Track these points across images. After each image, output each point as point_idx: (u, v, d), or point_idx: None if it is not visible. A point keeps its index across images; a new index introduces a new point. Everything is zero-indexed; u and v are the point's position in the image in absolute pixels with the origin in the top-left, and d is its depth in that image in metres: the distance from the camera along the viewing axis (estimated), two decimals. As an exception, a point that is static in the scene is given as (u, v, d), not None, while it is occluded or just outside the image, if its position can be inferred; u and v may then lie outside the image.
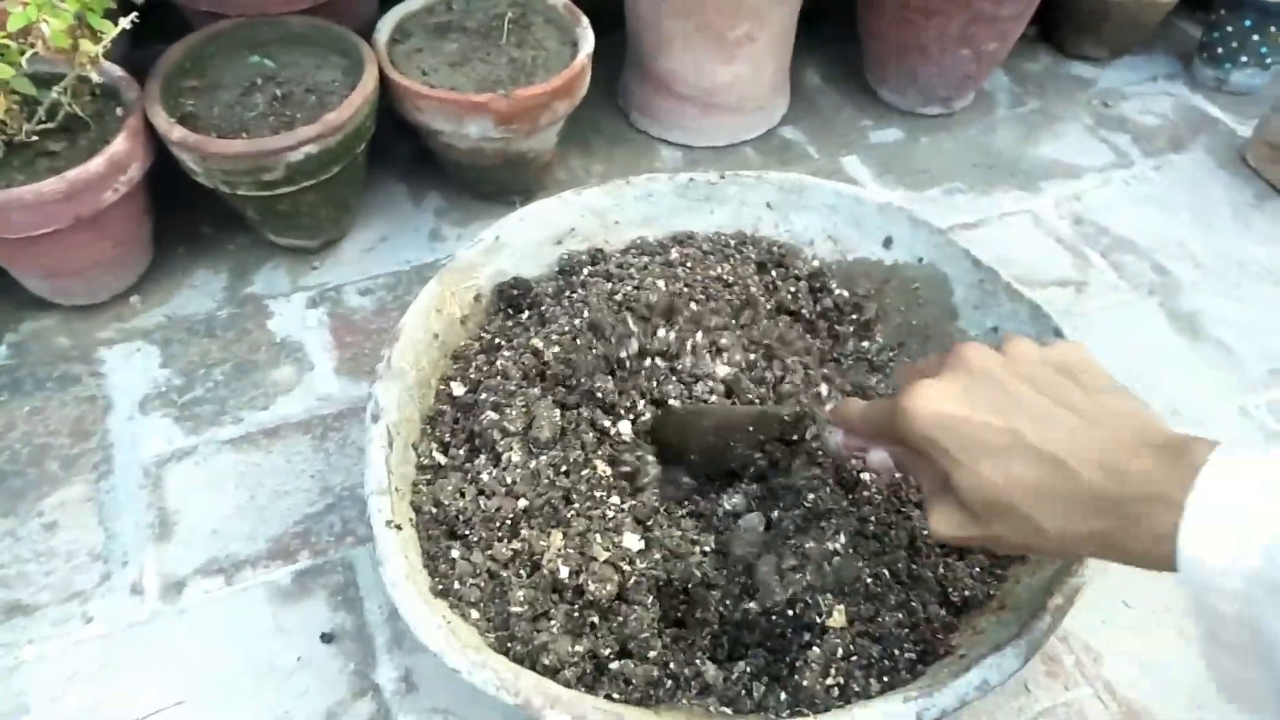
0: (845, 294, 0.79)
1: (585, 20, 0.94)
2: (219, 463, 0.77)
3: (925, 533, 0.63)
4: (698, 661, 0.57)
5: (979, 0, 1.01)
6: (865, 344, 0.78)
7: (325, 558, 0.71)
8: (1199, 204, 1.06)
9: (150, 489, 0.75)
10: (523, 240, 0.77)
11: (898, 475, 0.55)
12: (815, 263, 0.80)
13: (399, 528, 0.57)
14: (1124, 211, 1.05)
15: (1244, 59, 1.19)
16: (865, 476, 0.65)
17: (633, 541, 0.60)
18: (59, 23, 0.71)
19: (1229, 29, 1.18)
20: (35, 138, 0.77)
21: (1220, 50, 1.20)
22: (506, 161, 0.94)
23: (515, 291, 0.75)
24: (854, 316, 0.78)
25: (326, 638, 0.67)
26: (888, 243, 0.78)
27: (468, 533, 0.60)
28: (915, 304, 0.78)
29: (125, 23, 0.75)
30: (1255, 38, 1.17)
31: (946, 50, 1.07)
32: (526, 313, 0.75)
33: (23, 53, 0.72)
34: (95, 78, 0.78)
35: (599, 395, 0.66)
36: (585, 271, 0.76)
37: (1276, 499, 0.34)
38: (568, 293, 0.75)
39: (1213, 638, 0.37)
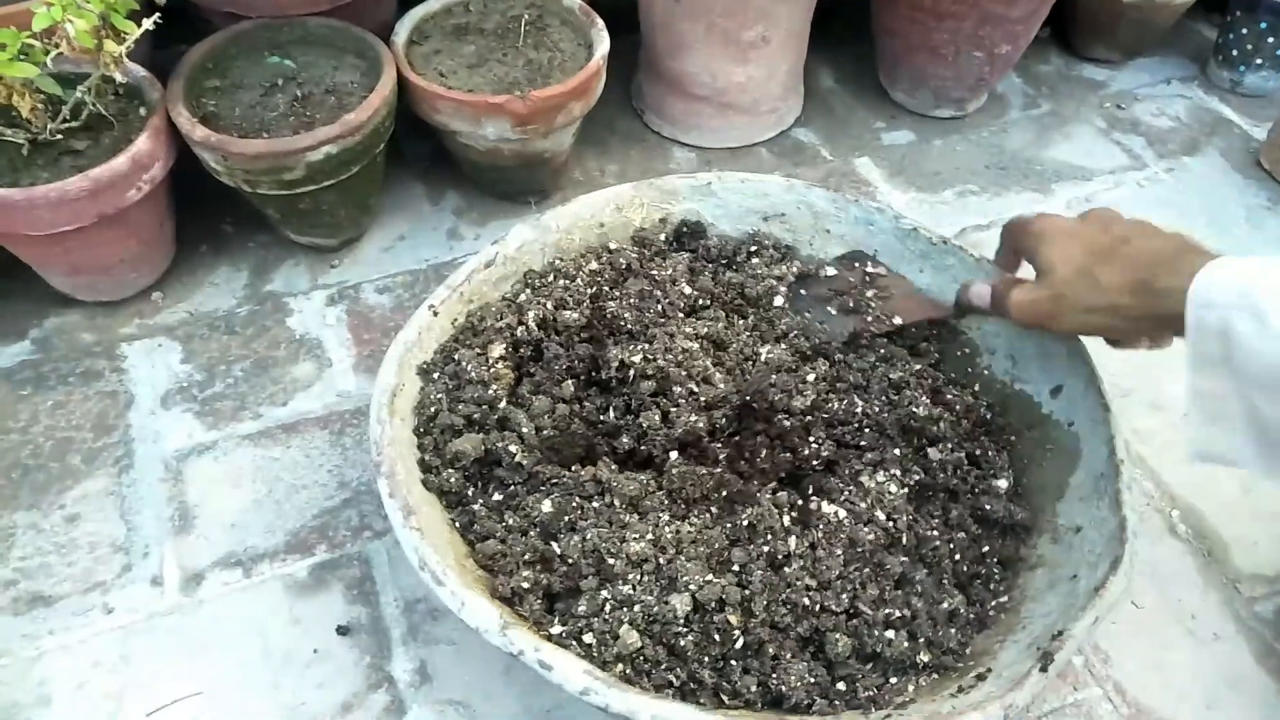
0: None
1: (600, 22, 0.95)
2: (238, 457, 0.78)
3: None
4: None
5: (990, 2, 1.01)
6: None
7: (342, 551, 0.72)
8: (1212, 207, 1.06)
9: (171, 483, 0.76)
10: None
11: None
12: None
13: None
14: (1137, 214, 1.03)
15: (1259, 61, 1.19)
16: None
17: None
18: (83, 23, 0.72)
19: (1244, 31, 1.18)
20: (60, 136, 0.79)
21: (1235, 52, 1.20)
22: (523, 161, 0.95)
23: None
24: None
25: (343, 630, 0.68)
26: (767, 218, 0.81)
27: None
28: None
29: (148, 23, 0.76)
30: (1270, 40, 1.16)
31: (959, 52, 1.07)
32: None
33: (47, 53, 0.73)
34: (119, 77, 0.79)
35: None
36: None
37: (1270, 267, 0.48)
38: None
39: (1197, 359, 0.50)
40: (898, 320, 0.73)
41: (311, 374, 0.84)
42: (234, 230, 0.97)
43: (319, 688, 0.65)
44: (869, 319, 0.73)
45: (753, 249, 0.80)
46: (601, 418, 0.68)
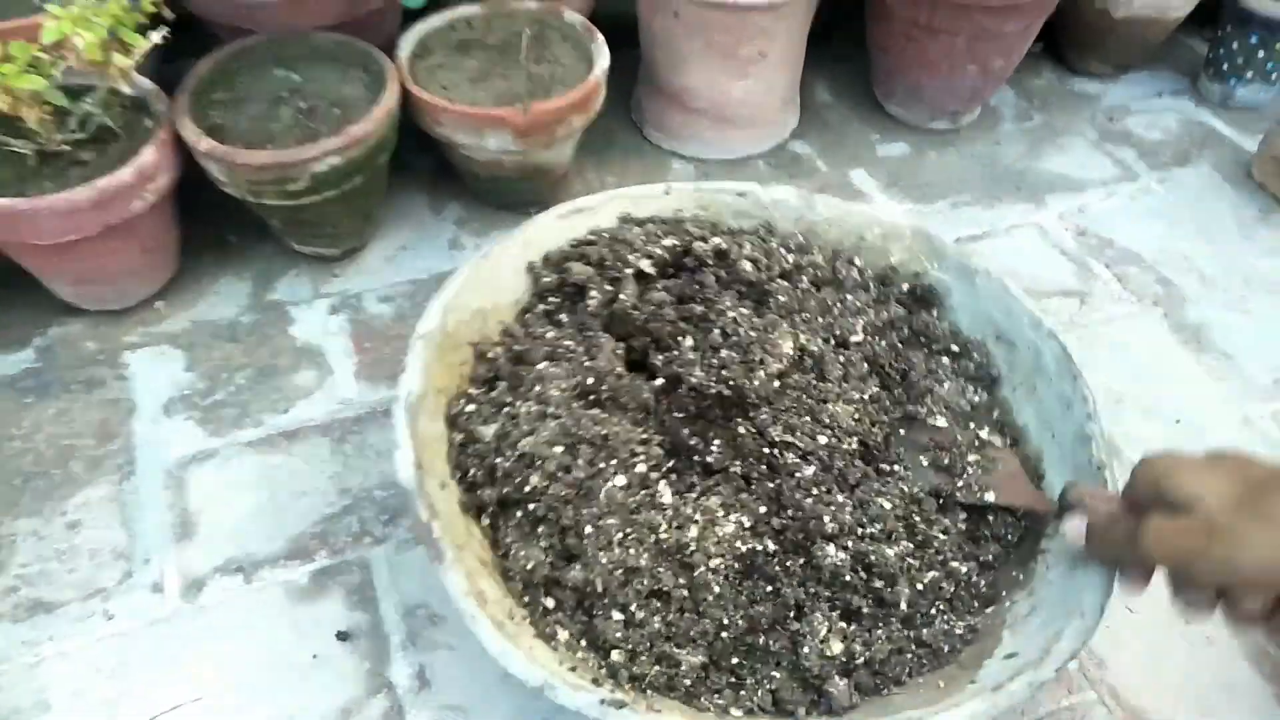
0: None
1: (601, 37, 0.97)
2: (240, 464, 0.78)
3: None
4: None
5: (984, 17, 1.03)
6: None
7: (342, 557, 0.72)
8: (1204, 218, 1.07)
9: (172, 490, 0.76)
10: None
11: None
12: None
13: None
14: (1128, 225, 1.06)
15: (1249, 74, 1.20)
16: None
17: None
18: (92, 37, 0.73)
19: (1234, 45, 1.19)
20: (67, 147, 0.80)
21: (1226, 66, 1.21)
22: (524, 173, 0.96)
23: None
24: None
25: (342, 636, 0.68)
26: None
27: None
28: None
29: (156, 37, 0.77)
30: (1261, 53, 1.18)
31: (953, 66, 1.09)
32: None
33: (56, 65, 0.75)
34: (126, 90, 0.80)
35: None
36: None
37: None
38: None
39: None
40: (989, 496, 0.65)
41: (313, 382, 0.85)
42: (237, 240, 0.98)
43: (319, 693, 0.65)
44: (959, 484, 0.66)
45: (958, 352, 0.74)
46: (681, 324, 0.72)
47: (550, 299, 0.73)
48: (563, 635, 0.56)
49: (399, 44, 0.94)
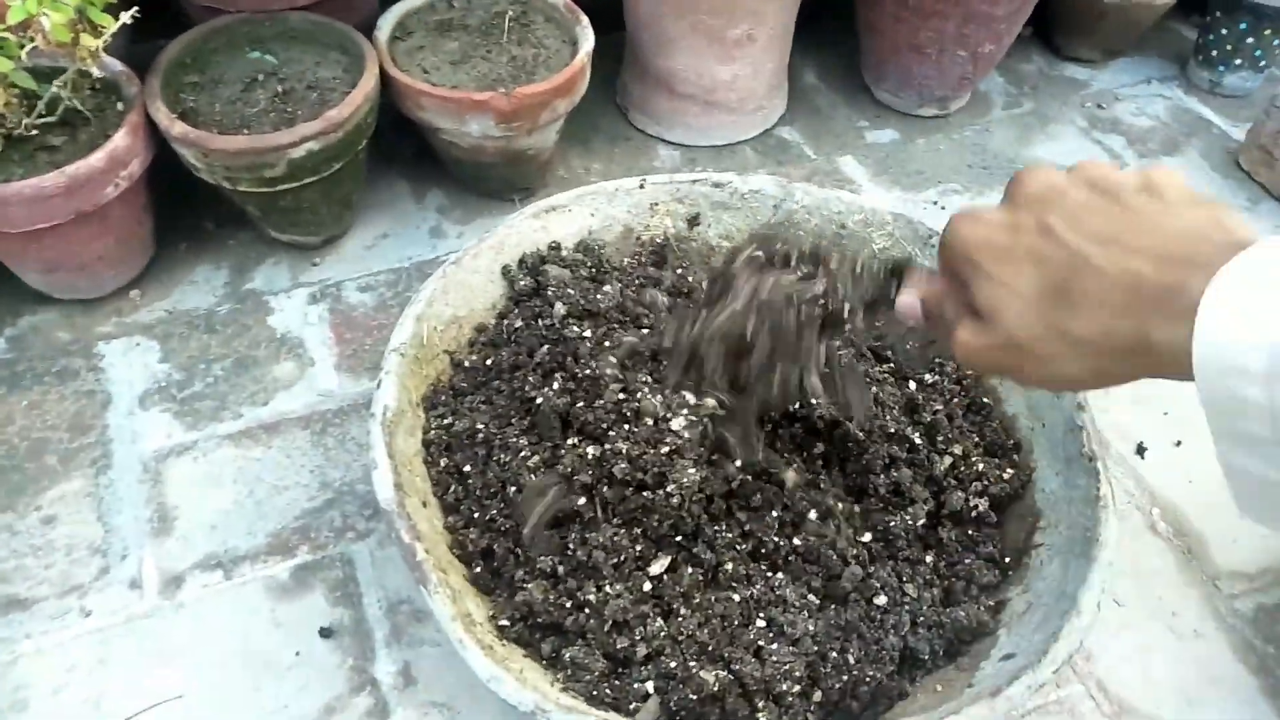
0: None
1: (585, 19, 0.95)
2: (218, 458, 0.77)
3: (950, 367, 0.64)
4: None
5: (974, 1, 1.02)
6: None
7: (324, 553, 0.71)
8: (1192, 206, 1.07)
9: (149, 484, 0.75)
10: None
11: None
12: None
13: None
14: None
15: (1238, 61, 1.20)
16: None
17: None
18: (59, 16, 0.71)
19: (1223, 31, 1.19)
20: (35, 132, 0.77)
21: (1214, 53, 1.21)
22: (507, 159, 0.94)
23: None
24: None
25: (325, 632, 0.67)
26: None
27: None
28: None
29: (126, 17, 0.75)
30: (1249, 40, 1.18)
31: (943, 51, 1.08)
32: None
33: (22, 46, 0.72)
34: (96, 72, 0.78)
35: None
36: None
37: None
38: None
39: (1234, 435, 0.32)
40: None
41: (293, 373, 0.83)
42: (214, 228, 0.96)
43: (301, 691, 0.64)
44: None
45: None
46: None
47: (526, 303, 0.71)
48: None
49: (378, 25, 0.92)
